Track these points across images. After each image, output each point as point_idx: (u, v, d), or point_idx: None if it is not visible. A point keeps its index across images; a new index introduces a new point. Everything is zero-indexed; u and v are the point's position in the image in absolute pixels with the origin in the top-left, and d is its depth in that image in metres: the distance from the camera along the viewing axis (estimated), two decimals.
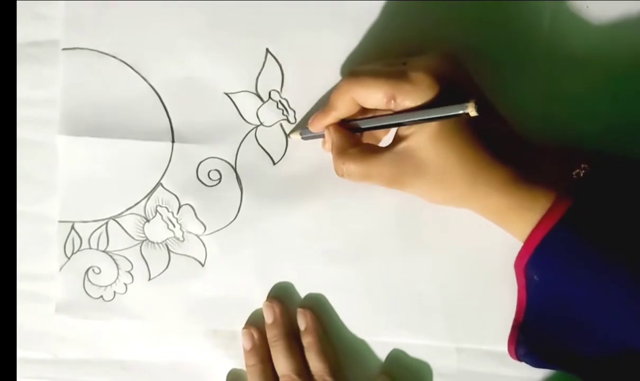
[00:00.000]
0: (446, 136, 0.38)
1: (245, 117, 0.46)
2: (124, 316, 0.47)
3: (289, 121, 0.46)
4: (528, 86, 0.45)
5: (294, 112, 0.46)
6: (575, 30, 0.44)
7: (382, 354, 0.47)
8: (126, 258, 0.46)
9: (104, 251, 0.46)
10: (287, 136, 0.46)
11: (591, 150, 0.44)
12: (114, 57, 0.45)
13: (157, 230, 0.46)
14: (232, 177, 0.46)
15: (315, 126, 0.43)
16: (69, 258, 0.46)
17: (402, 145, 0.39)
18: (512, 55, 0.45)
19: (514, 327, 0.42)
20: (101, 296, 0.47)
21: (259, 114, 0.46)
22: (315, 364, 0.45)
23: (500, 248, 0.43)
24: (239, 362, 0.47)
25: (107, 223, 0.46)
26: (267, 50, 0.45)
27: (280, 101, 0.45)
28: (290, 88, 0.45)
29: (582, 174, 0.39)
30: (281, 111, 0.45)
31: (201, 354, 0.47)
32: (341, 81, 0.40)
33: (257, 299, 0.47)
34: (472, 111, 0.34)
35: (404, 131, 0.39)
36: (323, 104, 0.44)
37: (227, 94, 0.45)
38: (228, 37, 0.45)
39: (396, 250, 0.46)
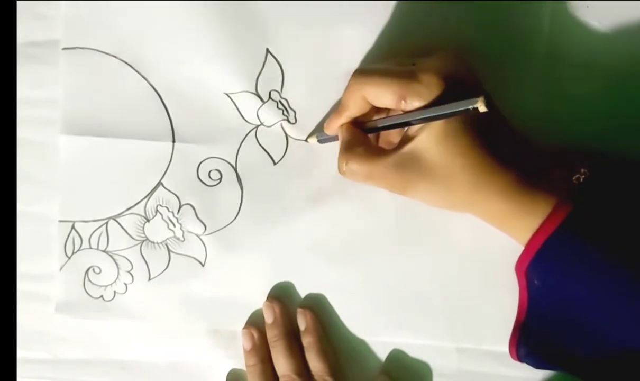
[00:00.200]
0: (452, 137, 0.38)
1: (245, 118, 0.46)
2: (124, 316, 0.47)
3: (289, 121, 0.46)
4: (528, 86, 0.45)
5: (295, 112, 0.46)
6: (575, 30, 0.44)
7: (382, 354, 0.47)
8: (126, 258, 0.46)
9: (104, 251, 0.46)
10: (305, 140, 0.46)
11: (591, 151, 0.44)
12: (115, 56, 0.45)
13: (157, 230, 0.46)
14: (233, 177, 0.46)
15: (330, 128, 0.43)
16: (69, 258, 0.46)
17: (407, 147, 0.39)
18: (512, 56, 0.45)
19: (515, 328, 0.42)
20: (101, 296, 0.47)
21: (259, 114, 0.46)
22: (315, 364, 0.45)
23: (500, 248, 0.43)
24: (239, 362, 0.47)
25: (107, 223, 0.46)
26: (267, 51, 0.45)
27: (280, 101, 0.45)
28: (291, 88, 0.45)
29: (582, 179, 0.39)
30: (281, 111, 0.46)
31: (201, 354, 0.47)
32: (350, 79, 0.40)
33: (257, 299, 0.47)
34: (481, 106, 0.34)
35: (410, 132, 0.39)
36: (323, 104, 0.45)
37: (227, 94, 0.45)
38: (228, 37, 0.45)
39: (396, 250, 0.46)
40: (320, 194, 0.46)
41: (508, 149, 0.39)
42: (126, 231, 0.46)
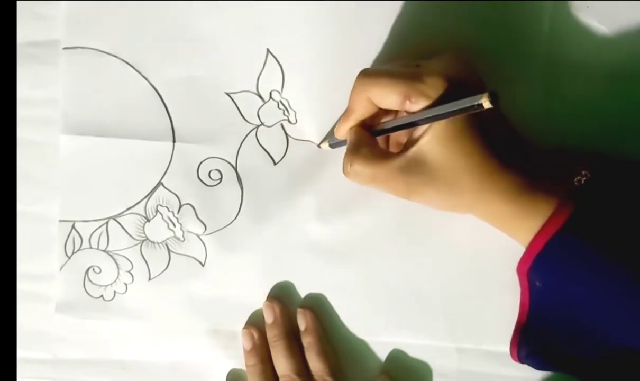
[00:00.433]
0: (456, 139, 0.38)
1: (246, 117, 0.46)
2: (124, 316, 0.47)
3: (289, 121, 0.46)
4: (528, 86, 0.45)
5: (295, 112, 0.46)
6: (575, 30, 0.44)
7: (382, 354, 0.47)
8: (126, 258, 0.46)
9: (104, 251, 0.46)
10: (318, 146, 0.46)
11: (591, 152, 0.44)
12: (115, 56, 0.45)
13: (157, 230, 0.46)
14: (233, 177, 0.46)
15: (340, 132, 0.42)
16: (69, 258, 0.46)
17: (412, 150, 0.38)
18: (512, 56, 0.45)
19: (516, 329, 0.42)
20: (101, 296, 0.47)
21: (259, 114, 0.46)
22: (315, 364, 0.45)
23: (501, 248, 0.43)
24: (239, 362, 0.47)
25: (107, 223, 0.46)
26: (268, 51, 0.45)
27: (281, 101, 0.45)
28: (291, 88, 0.45)
29: (583, 181, 0.39)
30: (282, 111, 0.46)
31: (201, 354, 0.47)
32: (355, 81, 0.40)
33: (257, 299, 0.47)
34: (486, 103, 0.33)
35: (415, 135, 0.39)
36: (324, 105, 0.45)
37: (228, 94, 0.45)
38: (229, 37, 0.45)
39: (396, 250, 0.46)
40: (320, 194, 0.46)
41: (510, 151, 0.39)
42: (126, 231, 0.46)
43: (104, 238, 0.46)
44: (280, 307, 0.46)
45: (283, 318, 0.46)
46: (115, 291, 0.47)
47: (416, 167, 0.39)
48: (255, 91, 0.45)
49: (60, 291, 0.46)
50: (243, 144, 0.46)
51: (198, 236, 0.46)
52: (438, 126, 0.38)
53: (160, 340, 0.47)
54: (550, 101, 0.45)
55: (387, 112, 0.41)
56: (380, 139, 0.43)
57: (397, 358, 0.47)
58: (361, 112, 0.41)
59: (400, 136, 0.43)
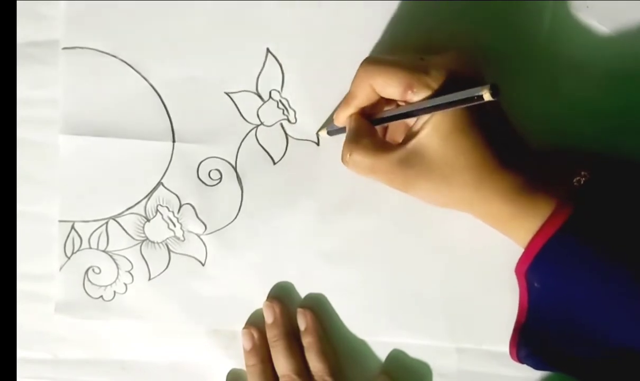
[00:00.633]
0: (457, 135, 0.38)
1: (245, 117, 0.46)
2: (124, 316, 0.47)
3: (289, 121, 0.46)
4: (528, 86, 0.45)
5: (295, 112, 0.46)
6: (575, 30, 0.44)
7: (382, 354, 0.47)
8: (126, 258, 0.46)
9: (104, 251, 0.46)
10: (316, 133, 0.46)
11: (591, 152, 0.44)
12: (115, 56, 0.45)
13: (157, 230, 0.46)
14: (233, 177, 0.46)
15: (339, 118, 0.42)
16: (68, 258, 0.46)
17: (412, 143, 0.38)
18: (513, 55, 0.45)
19: (515, 329, 0.42)
20: (101, 296, 0.47)
21: (259, 113, 0.46)
22: (315, 364, 0.45)
23: (500, 248, 0.43)
24: (239, 362, 0.47)
25: (107, 223, 0.46)
26: (268, 50, 0.45)
27: (280, 101, 0.45)
28: (291, 88, 0.45)
29: (582, 182, 0.39)
30: (282, 111, 0.46)
31: (201, 354, 0.47)
32: (359, 68, 0.40)
33: (257, 299, 0.47)
34: (486, 95, 0.33)
35: (415, 128, 0.39)
36: (324, 104, 0.45)
37: (227, 93, 0.45)
38: (228, 37, 0.45)
39: (396, 250, 0.46)
40: (320, 193, 0.46)
41: (510, 151, 0.39)
42: (126, 231, 0.46)
43: (103, 238, 0.46)
44: (280, 307, 0.46)
45: (283, 318, 0.46)
46: (115, 292, 0.47)
47: (414, 160, 0.39)
48: (255, 91, 0.45)
49: (59, 291, 0.46)
50: (243, 144, 0.46)
51: (198, 235, 0.46)
52: (438, 121, 0.37)
53: (160, 340, 0.47)
54: (550, 101, 0.45)
55: (387, 102, 0.41)
56: (378, 130, 0.42)
57: (397, 358, 0.47)
58: (362, 99, 0.41)
59: (397, 131, 0.43)
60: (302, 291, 0.47)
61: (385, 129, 0.43)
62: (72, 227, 0.46)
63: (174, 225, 0.46)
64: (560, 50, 0.44)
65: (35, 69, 0.46)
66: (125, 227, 0.46)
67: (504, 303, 0.44)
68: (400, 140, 0.41)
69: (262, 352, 0.46)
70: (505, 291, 0.44)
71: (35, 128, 0.46)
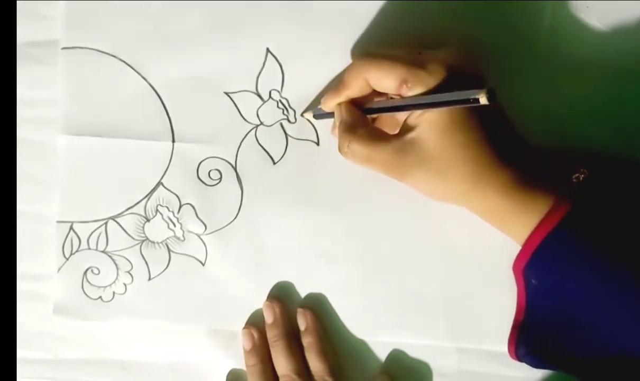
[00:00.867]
0: (454, 129, 0.38)
1: (245, 117, 0.46)
2: (124, 317, 0.47)
3: (289, 121, 0.46)
4: (528, 86, 0.45)
5: (294, 111, 0.46)
6: (575, 30, 0.44)
7: (382, 354, 0.47)
8: (126, 258, 0.46)
9: (103, 252, 0.46)
10: (301, 115, 0.45)
11: (590, 152, 0.44)
12: (114, 56, 0.45)
13: (157, 230, 0.46)
14: (233, 177, 0.46)
15: (327, 104, 0.42)
16: (67, 259, 0.46)
17: (409, 135, 0.39)
18: (512, 55, 0.45)
19: (513, 327, 0.42)
20: (100, 297, 0.47)
21: (259, 113, 0.46)
22: (315, 364, 0.45)
23: (500, 248, 0.43)
24: (239, 362, 0.47)
25: (106, 223, 0.46)
26: (268, 50, 0.45)
27: (280, 101, 0.45)
28: (291, 88, 0.45)
29: (581, 179, 0.39)
30: (281, 111, 0.46)
31: (201, 354, 0.47)
32: (355, 60, 0.40)
33: (257, 299, 0.47)
34: (482, 99, 0.33)
35: (413, 121, 0.39)
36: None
37: (227, 93, 0.45)
38: (228, 37, 0.45)
39: (396, 250, 0.46)
40: (320, 193, 0.46)
41: (508, 147, 0.39)
42: (126, 231, 0.46)
43: (103, 239, 0.46)
44: (280, 307, 0.46)
45: (283, 318, 0.46)
46: (114, 292, 0.47)
47: (411, 150, 0.39)
48: (255, 91, 0.45)
49: (58, 292, 0.46)
50: (242, 144, 0.46)
51: (198, 235, 0.46)
52: (435, 115, 0.38)
53: (160, 340, 0.47)
54: (550, 101, 0.45)
55: (378, 93, 0.41)
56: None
57: (397, 358, 0.47)
58: (354, 91, 0.41)
59: (387, 121, 0.42)
60: (302, 291, 0.47)
61: (374, 119, 0.43)
62: (71, 228, 0.46)
63: (174, 225, 0.46)
64: (560, 49, 0.44)
65: (35, 69, 0.46)
66: (125, 227, 0.46)
67: (504, 303, 0.44)
68: (389, 129, 0.41)
69: (262, 352, 0.46)
70: (505, 291, 0.44)
71: (35, 128, 0.46)
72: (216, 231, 0.46)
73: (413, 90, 0.38)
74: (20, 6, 0.45)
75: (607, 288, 0.38)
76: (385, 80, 0.39)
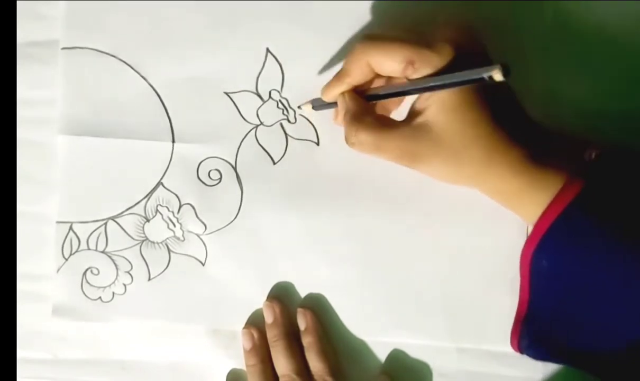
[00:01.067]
0: (464, 110, 0.37)
1: (245, 117, 0.46)
2: (123, 317, 0.47)
3: (289, 121, 0.46)
4: (528, 85, 0.44)
5: (294, 111, 0.46)
6: (575, 30, 0.44)
7: (382, 354, 0.47)
8: (125, 258, 0.46)
9: (102, 252, 0.46)
10: (299, 107, 0.45)
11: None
12: (114, 56, 0.45)
13: (157, 230, 0.46)
14: (233, 177, 0.46)
15: (328, 94, 0.41)
16: (66, 259, 0.46)
17: (418, 119, 0.38)
18: (512, 55, 0.44)
19: (517, 319, 0.42)
20: (99, 298, 0.47)
21: (259, 113, 0.46)
22: (315, 364, 0.45)
23: (500, 248, 0.44)
24: (239, 362, 0.47)
25: (106, 223, 0.46)
26: (268, 50, 0.45)
27: (280, 101, 0.45)
28: (291, 88, 0.45)
29: (593, 156, 0.38)
30: (281, 111, 0.46)
31: (201, 354, 0.47)
32: (356, 45, 0.39)
33: (257, 299, 0.47)
34: (497, 76, 0.32)
35: (421, 104, 0.38)
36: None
37: (227, 93, 0.45)
38: (228, 37, 0.45)
39: (396, 250, 0.46)
40: (319, 193, 0.46)
41: (519, 125, 0.38)
42: (126, 231, 0.46)
43: (102, 239, 0.46)
44: (280, 307, 0.46)
45: (283, 318, 0.46)
46: (113, 293, 0.47)
47: (423, 135, 0.38)
48: (255, 91, 0.45)
49: (57, 293, 0.46)
50: (242, 144, 0.46)
51: (198, 235, 0.46)
52: (444, 96, 0.37)
53: (160, 340, 0.47)
54: (550, 101, 0.45)
55: (380, 76, 0.40)
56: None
57: (397, 358, 0.47)
58: (357, 77, 0.40)
59: (387, 103, 0.42)
60: (302, 291, 0.47)
61: (373, 105, 0.42)
62: (70, 228, 0.46)
63: (174, 225, 0.46)
64: (560, 49, 0.44)
65: (35, 69, 0.46)
66: (124, 227, 0.46)
67: (504, 303, 0.44)
68: (392, 109, 0.40)
69: (262, 352, 0.46)
70: (505, 291, 0.44)
71: (35, 128, 0.46)
72: (216, 231, 0.46)
73: (420, 71, 0.37)
74: (20, 6, 0.45)
75: (619, 269, 0.36)
76: (389, 62, 0.37)
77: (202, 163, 0.46)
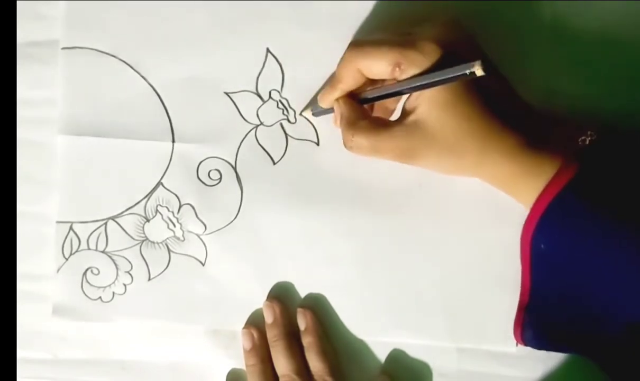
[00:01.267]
0: (455, 104, 0.38)
1: (245, 117, 0.46)
2: (123, 317, 0.47)
3: (289, 121, 0.46)
4: (527, 85, 0.44)
5: (294, 111, 0.46)
6: (575, 30, 0.44)
7: (382, 354, 0.47)
8: (125, 258, 0.46)
9: (102, 252, 0.46)
10: (300, 113, 0.45)
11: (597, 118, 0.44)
12: (114, 56, 0.45)
13: (157, 230, 0.46)
14: (232, 177, 0.46)
15: (324, 101, 0.42)
16: (66, 259, 0.46)
17: (410, 118, 0.39)
18: (512, 55, 0.44)
19: (519, 309, 0.42)
20: (99, 298, 0.47)
21: (259, 113, 0.46)
22: (315, 364, 0.45)
23: (500, 248, 0.44)
24: (239, 362, 0.47)
25: (106, 223, 0.46)
26: (268, 50, 0.45)
27: (280, 101, 0.45)
28: (291, 88, 0.45)
29: (588, 141, 0.39)
30: (281, 111, 0.46)
31: (201, 354, 0.47)
32: (345, 52, 0.40)
33: (257, 299, 0.47)
34: (478, 71, 0.33)
35: (411, 103, 0.39)
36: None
37: (227, 93, 0.45)
38: (228, 37, 0.45)
39: (396, 250, 0.46)
40: (320, 193, 0.46)
41: (511, 111, 0.39)
42: (126, 231, 0.46)
43: (102, 239, 0.46)
44: (280, 307, 0.46)
45: (283, 318, 0.46)
46: (114, 293, 0.47)
47: (416, 133, 0.38)
48: (255, 91, 0.45)
49: (57, 293, 0.46)
50: (242, 144, 0.46)
51: (198, 235, 0.46)
52: (433, 93, 0.37)
53: (160, 340, 0.47)
54: (550, 101, 0.45)
55: (373, 80, 0.41)
56: (365, 107, 0.42)
57: (397, 358, 0.47)
58: (349, 83, 0.41)
59: (387, 103, 0.42)
60: (302, 291, 0.47)
61: (371, 107, 0.43)
62: (70, 228, 0.46)
63: (174, 225, 0.46)
64: (560, 49, 0.44)
65: (35, 69, 0.46)
66: (124, 227, 0.46)
67: (504, 303, 0.44)
68: (392, 107, 0.41)
69: (262, 352, 0.46)
70: (504, 291, 0.44)
71: (35, 128, 0.46)
72: (216, 231, 0.46)
73: (407, 72, 0.38)
74: (20, 6, 0.45)
75: (615, 252, 0.37)
76: (377, 66, 0.38)
77: (202, 163, 0.46)
